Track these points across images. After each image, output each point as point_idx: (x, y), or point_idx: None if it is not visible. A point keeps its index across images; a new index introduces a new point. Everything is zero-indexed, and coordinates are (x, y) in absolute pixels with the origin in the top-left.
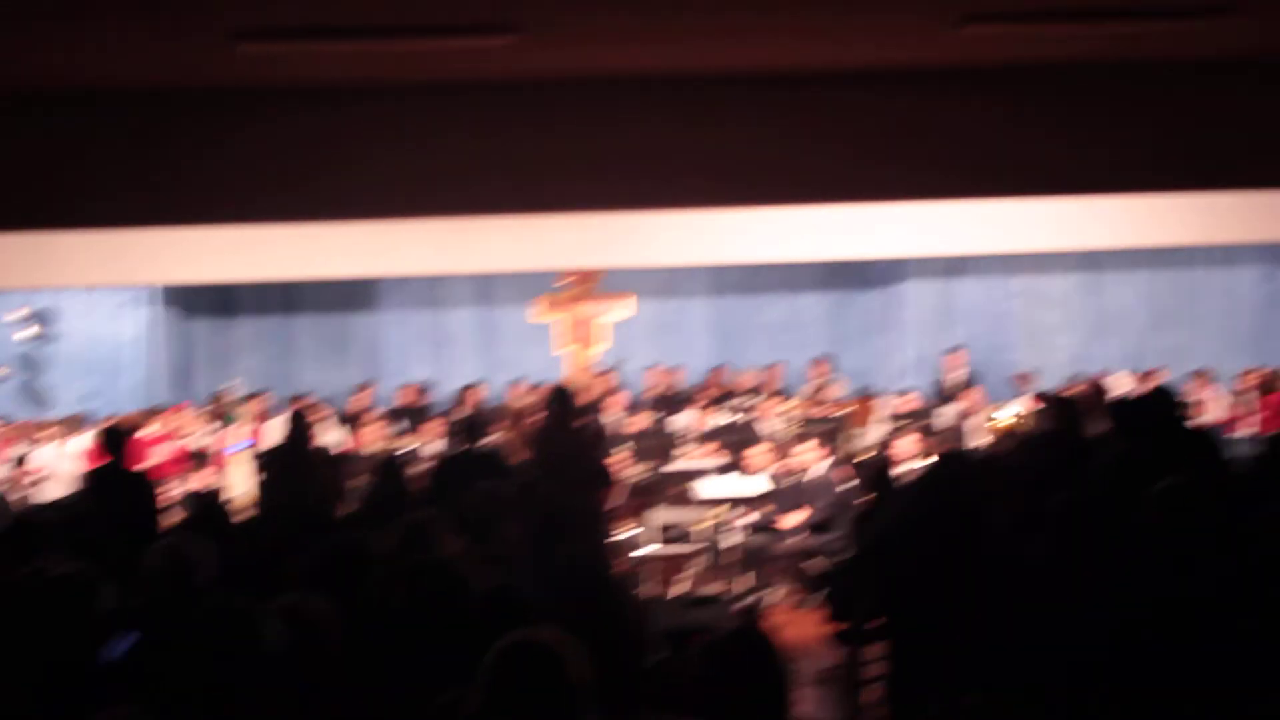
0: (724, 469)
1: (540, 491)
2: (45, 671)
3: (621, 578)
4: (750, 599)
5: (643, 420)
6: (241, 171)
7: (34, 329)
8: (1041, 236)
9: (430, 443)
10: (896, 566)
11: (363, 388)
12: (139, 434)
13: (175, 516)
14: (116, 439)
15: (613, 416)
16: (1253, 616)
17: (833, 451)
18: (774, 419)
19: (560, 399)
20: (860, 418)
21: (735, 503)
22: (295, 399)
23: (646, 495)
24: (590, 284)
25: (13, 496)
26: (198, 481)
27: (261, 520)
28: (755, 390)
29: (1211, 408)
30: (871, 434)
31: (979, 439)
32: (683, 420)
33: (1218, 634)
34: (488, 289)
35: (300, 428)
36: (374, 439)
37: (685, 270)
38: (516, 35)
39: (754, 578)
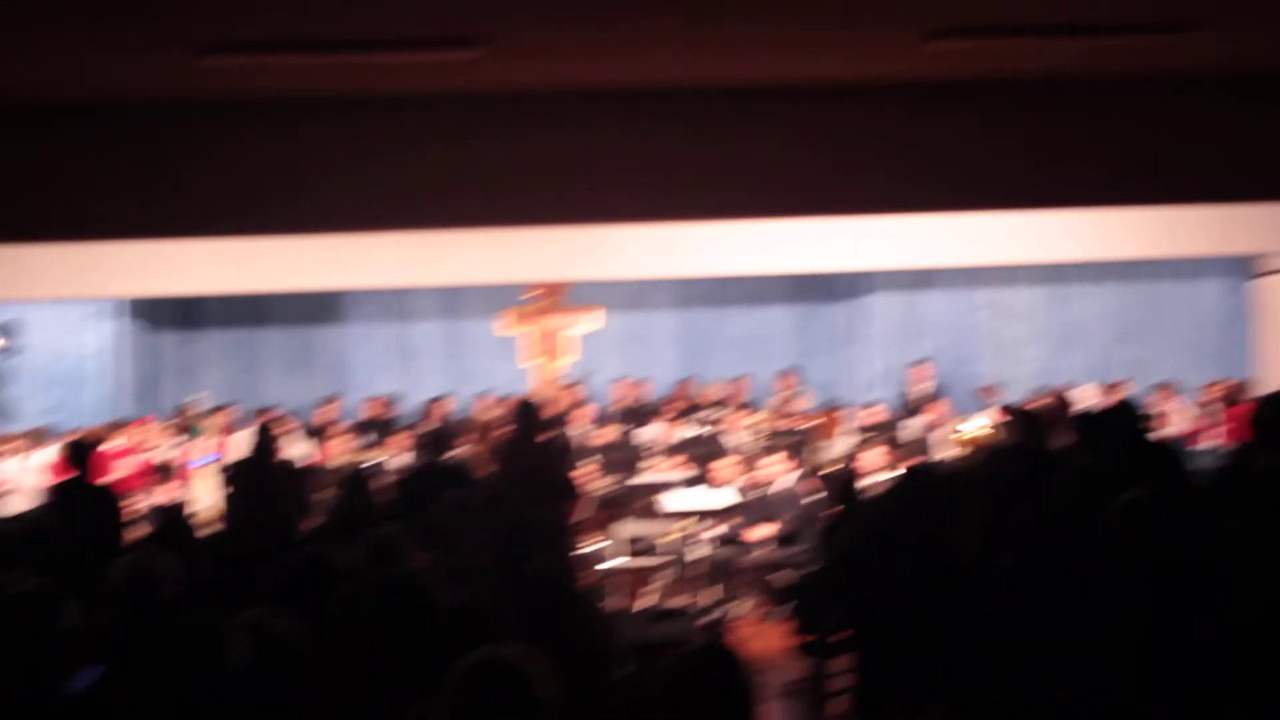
0: (691, 481)
1: (507, 504)
2: (6, 690)
3: (588, 591)
4: (717, 612)
5: (610, 433)
6: (208, 185)
7: None
8: (1008, 249)
9: (397, 456)
10: (863, 579)
11: (329, 401)
12: (104, 447)
13: (140, 531)
14: (81, 452)
15: (580, 429)
16: (1216, 628)
17: (800, 464)
18: (741, 431)
19: (527, 412)
20: (827, 430)
21: (702, 515)
22: (261, 412)
23: (613, 508)
24: (557, 297)
25: None
26: (163, 495)
27: (227, 534)
28: (722, 403)
29: (1176, 420)
30: (838, 446)
31: (945, 451)
32: (650, 433)
33: (1182, 646)
34: (454, 302)
35: (266, 441)
36: (341, 452)
37: (652, 283)
38: (483, 49)
39: (721, 590)
